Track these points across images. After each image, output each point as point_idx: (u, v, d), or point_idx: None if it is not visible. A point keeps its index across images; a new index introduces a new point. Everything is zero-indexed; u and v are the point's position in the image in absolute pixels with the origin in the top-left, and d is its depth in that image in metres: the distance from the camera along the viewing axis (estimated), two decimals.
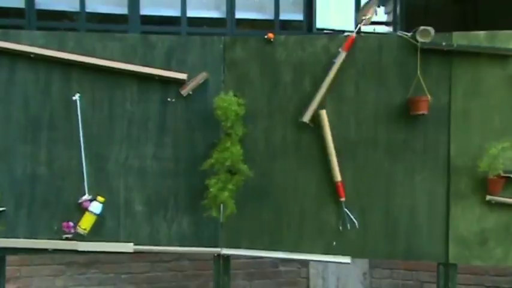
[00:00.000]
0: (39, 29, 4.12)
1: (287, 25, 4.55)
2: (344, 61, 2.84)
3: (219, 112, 2.73)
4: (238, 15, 4.22)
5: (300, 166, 2.92)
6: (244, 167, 2.79)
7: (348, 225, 2.86)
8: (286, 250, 2.94)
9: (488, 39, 2.73)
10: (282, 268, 4.13)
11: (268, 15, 4.36)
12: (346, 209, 2.84)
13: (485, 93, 2.74)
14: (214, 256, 3.00)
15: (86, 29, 4.12)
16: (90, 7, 4.18)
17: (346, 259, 2.91)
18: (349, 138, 2.87)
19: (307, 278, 4.18)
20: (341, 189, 2.84)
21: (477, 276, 3.90)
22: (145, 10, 4.19)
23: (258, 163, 2.93)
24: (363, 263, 4.15)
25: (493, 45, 2.71)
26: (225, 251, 2.97)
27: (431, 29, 2.73)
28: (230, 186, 2.76)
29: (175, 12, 4.18)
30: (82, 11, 4.18)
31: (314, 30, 4.28)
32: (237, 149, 2.75)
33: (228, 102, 2.73)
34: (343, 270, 4.17)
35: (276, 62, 2.92)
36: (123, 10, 4.17)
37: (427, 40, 2.73)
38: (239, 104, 2.81)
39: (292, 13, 4.36)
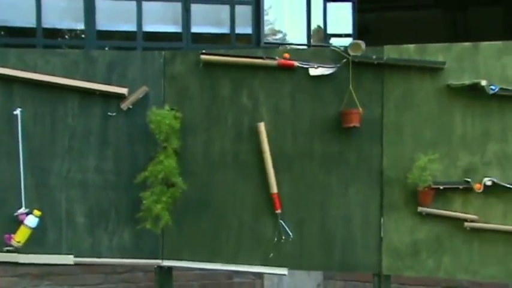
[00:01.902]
0: None
1: (238, 38, 4.59)
2: (281, 73, 2.90)
3: (152, 126, 2.78)
4: (195, 29, 4.28)
5: (238, 178, 2.96)
6: (179, 180, 2.83)
7: (284, 237, 2.89)
8: (225, 261, 2.98)
9: (418, 53, 2.76)
10: (236, 279, 4.14)
11: (224, 29, 4.42)
12: (281, 221, 2.87)
13: (416, 106, 2.76)
14: (155, 268, 3.04)
15: (42, 45, 4.20)
16: (48, 23, 4.26)
17: (283, 271, 2.93)
18: (286, 150, 2.90)
19: None
20: (277, 201, 2.87)
21: None
22: (102, 25, 4.28)
23: (197, 175, 2.97)
24: (317, 275, 4.15)
25: (422, 58, 2.75)
26: (166, 263, 3.01)
27: (362, 43, 2.77)
28: (164, 199, 2.80)
29: (132, 27, 4.26)
30: (38, 27, 4.25)
31: (262, 44, 4.33)
32: (172, 162, 2.79)
33: (161, 115, 2.78)
34: (297, 282, 4.17)
35: (215, 76, 2.98)
36: (81, 25, 4.25)
37: (358, 53, 2.76)
38: (175, 118, 2.86)
39: (242, 27, 4.42)
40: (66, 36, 4.66)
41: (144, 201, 2.80)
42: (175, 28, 4.42)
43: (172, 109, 2.89)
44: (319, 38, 4.47)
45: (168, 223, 2.85)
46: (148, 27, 4.32)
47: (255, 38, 4.34)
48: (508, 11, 8.08)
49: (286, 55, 2.86)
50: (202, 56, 2.94)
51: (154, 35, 4.43)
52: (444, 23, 8.74)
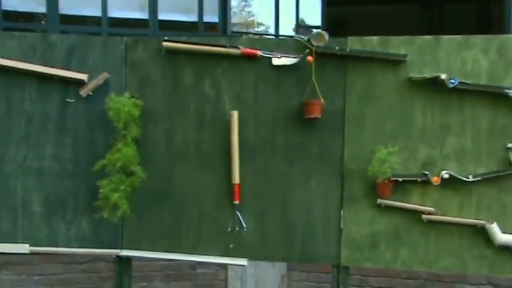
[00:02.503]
0: None
1: (205, 27, 4.53)
2: (245, 63, 2.86)
3: (111, 113, 2.72)
4: (162, 16, 4.21)
5: (200, 168, 2.92)
6: (138, 169, 2.78)
7: (244, 228, 2.88)
8: (185, 252, 2.95)
9: (381, 45, 2.76)
10: (199, 270, 4.12)
11: (193, 17, 4.35)
12: (237, 212, 2.86)
13: (377, 98, 2.77)
14: (114, 258, 3.00)
15: (2, 28, 4.07)
16: (9, 5, 4.12)
17: (243, 261, 2.92)
18: (248, 141, 2.88)
19: (225, 281, 4.19)
20: (236, 192, 2.85)
21: (389, 279, 3.94)
22: (65, 9, 4.15)
23: (158, 165, 2.93)
24: (281, 266, 4.17)
25: (385, 51, 2.75)
26: (124, 253, 2.96)
27: (325, 33, 2.75)
28: (123, 188, 2.75)
29: (96, 12, 4.15)
30: None
31: (229, 32, 4.28)
32: (130, 150, 2.74)
33: (120, 103, 2.72)
34: (261, 273, 4.18)
35: (177, 64, 2.93)
36: (43, 9, 4.12)
37: (321, 44, 2.75)
38: (136, 105, 2.81)
39: (210, 15, 4.36)
40: (28, 20, 4.50)
41: (101, 190, 2.75)
42: (142, 15, 4.34)
43: (132, 97, 2.83)
44: (292, 29, 4.44)
45: (127, 212, 2.80)
46: (114, 13, 4.21)
47: (222, 27, 4.28)
48: (482, 7, 8.19)
49: (310, 59, 2.74)
50: (165, 43, 2.89)
51: (120, 21, 4.33)
52: (421, 17, 8.81)
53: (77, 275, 3.90)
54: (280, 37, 2.80)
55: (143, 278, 3.99)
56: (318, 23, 4.66)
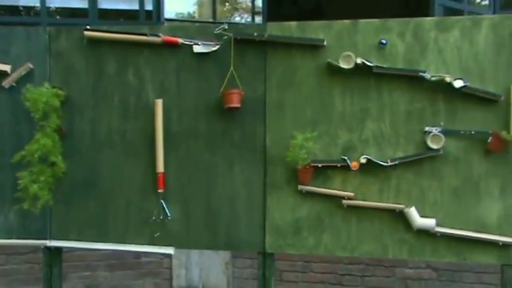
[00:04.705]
0: None
1: (138, 15, 4.49)
2: (166, 51, 2.85)
3: (28, 104, 2.71)
4: (102, 5, 4.17)
5: (125, 157, 2.91)
6: (58, 159, 2.78)
7: (169, 216, 2.87)
8: (113, 241, 2.95)
9: (299, 30, 2.73)
10: (144, 259, 4.13)
11: (134, 6, 4.30)
12: (162, 201, 2.85)
13: (297, 84, 2.75)
14: (43, 248, 3.00)
15: None
16: None
17: (170, 250, 2.92)
18: (172, 129, 2.86)
19: (170, 269, 4.20)
20: (161, 181, 2.85)
21: (331, 265, 3.95)
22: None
23: (84, 155, 2.92)
24: (226, 253, 4.17)
25: (303, 36, 2.73)
26: (53, 243, 2.97)
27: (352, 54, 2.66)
28: (43, 178, 2.74)
29: (35, 1, 4.11)
30: None
31: (162, 20, 4.24)
32: (49, 141, 2.73)
33: (37, 93, 2.70)
34: (205, 261, 4.19)
35: (100, 53, 2.91)
36: None
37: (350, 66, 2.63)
38: (57, 95, 2.79)
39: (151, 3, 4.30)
40: None
41: (19, 181, 2.74)
42: (82, 4, 4.29)
43: (53, 87, 2.82)
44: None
45: (49, 203, 2.80)
46: (53, 2, 4.17)
47: (155, 14, 4.24)
48: None
49: None
50: (86, 33, 2.87)
51: (60, 10, 4.29)
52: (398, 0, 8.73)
53: (19, 266, 3.91)
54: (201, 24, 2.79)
55: (86, 267, 3.99)
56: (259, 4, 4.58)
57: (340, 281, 4.10)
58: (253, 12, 4.86)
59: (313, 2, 8.37)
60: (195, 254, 4.18)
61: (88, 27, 2.90)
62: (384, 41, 2.61)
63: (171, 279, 4.22)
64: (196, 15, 4.39)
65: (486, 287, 3.88)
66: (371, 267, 4.02)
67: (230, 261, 4.19)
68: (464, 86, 2.55)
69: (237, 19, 6.21)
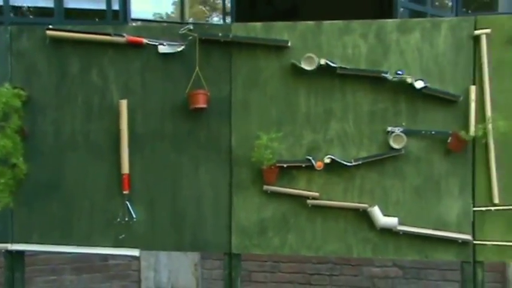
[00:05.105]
0: None
1: (105, 15, 4.45)
2: (131, 51, 2.82)
3: None
4: (68, 4, 4.11)
5: (90, 159, 2.87)
6: (19, 161, 2.73)
7: (134, 218, 2.85)
8: (76, 243, 2.90)
9: (264, 31, 2.75)
10: (111, 261, 4.09)
11: (101, 5, 4.25)
12: (127, 202, 2.83)
13: (262, 84, 2.76)
14: (4, 252, 2.94)
15: None
16: None
17: (135, 252, 2.89)
18: (137, 130, 2.84)
19: (138, 271, 4.17)
20: (126, 182, 2.82)
21: (300, 264, 3.98)
22: None
23: (47, 156, 2.87)
24: (194, 255, 4.16)
25: (268, 37, 2.74)
26: (14, 247, 2.90)
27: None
28: (3, 180, 2.69)
29: None
30: None
31: (129, 20, 4.22)
32: (8, 142, 2.67)
33: None
34: (174, 262, 4.17)
35: (63, 53, 2.87)
36: None
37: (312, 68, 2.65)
38: (18, 96, 2.74)
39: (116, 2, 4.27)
40: None
41: None
42: (47, 3, 4.22)
43: (15, 87, 2.77)
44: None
45: (9, 205, 2.75)
46: (17, 1, 4.08)
47: (122, 14, 4.20)
48: None
49: None
50: (48, 32, 2.83)
51: (25, 10, 4.20)
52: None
53: None
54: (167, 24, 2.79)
55: (52, 271, 3.92)
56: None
57: (308, 280, 4.13)
58: (225, 13, 4.86)
59: (289, 3, 8.40)
60: (163, 255, 4.15)
61: (50, 26, 2.86)
62: (400, 72, 2.63)
63: (139, 281, 4.19)
64: (174, 15, 4.37)
65: (450, 284, 3.97)
66: (339, 267, 4.06)
67: (199, 262, 4.18)
68: (425, 87, 2.60)
69: (215, 19, 6.20)
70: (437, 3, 5.72)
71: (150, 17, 4.29)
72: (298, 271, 3.99)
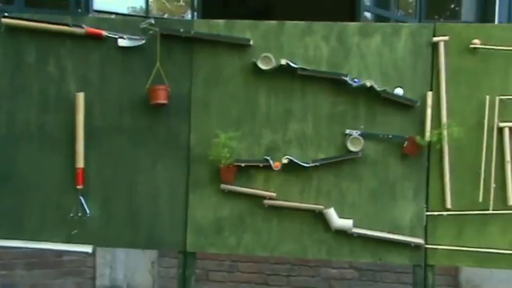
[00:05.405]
0: None
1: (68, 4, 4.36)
2: (90, 43, 2.76)
3: None
4: None
5: (43, 151, 2.80)
6: None
7: (87, 213, 2.79)
8: (27, 238, 2.82)
9: (227, 28, 2.73)
10: (65, 257, 4.00)
11: None
12: (81, 197, 2.77)
13: (223, 82, 2.74)
14: None
15: None
16: None
17: (88, 248, 2.83)
18: (94, 123, 2.78)
19: (93, 267, 4.09)
20: (80, 177, 2.76)
21: (258, 264, 3.99)
22: None
23: None
24: (152, 253, 4.11)
25: (230, 35, 2.72)
26: None
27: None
28: None
29: None
30: None
31: (91, 11, 4.15)
32: None
33: None
34: (131, 259, 4.11)
35: (19, 42, 2.78)
36: None
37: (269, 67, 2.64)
38: None
39: None
40: None
41: None
42: None
43: None
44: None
45: None
46: None
47: (84, 5, 4.12)
48: None
49: None
50: (4, 20, 2.74)
51: None
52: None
53: None
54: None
55: (3, 266, 3.81)
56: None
57: (266, 280, 4.13)
58: (193, 10, 4.82)
59: (262, 3, 8.38)
60: (121, 252, 4.08)
61: (6, 14, 2.77)
62: (357, 81, 2.64)
63: (94, 278, 4.11)
64: (139, 11, 4.29)
65: (405, 287, 4.03)
66: (296, 267, 4.07)
67: (156, 260, 4.12)
68: (383, 90, 2.62)
69: (189, 17, 6.11)
70: (402, 10, 5.80)
71: (114, 9, 4.20)
72: (256, 271, 3.98)
